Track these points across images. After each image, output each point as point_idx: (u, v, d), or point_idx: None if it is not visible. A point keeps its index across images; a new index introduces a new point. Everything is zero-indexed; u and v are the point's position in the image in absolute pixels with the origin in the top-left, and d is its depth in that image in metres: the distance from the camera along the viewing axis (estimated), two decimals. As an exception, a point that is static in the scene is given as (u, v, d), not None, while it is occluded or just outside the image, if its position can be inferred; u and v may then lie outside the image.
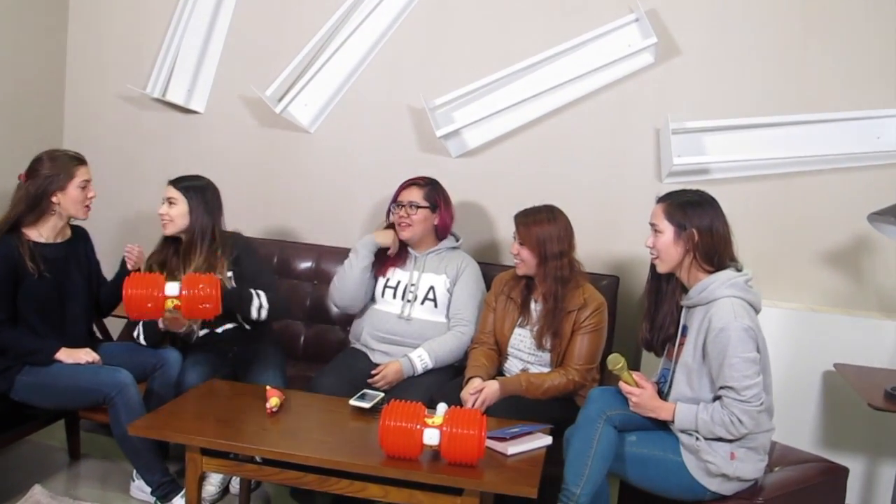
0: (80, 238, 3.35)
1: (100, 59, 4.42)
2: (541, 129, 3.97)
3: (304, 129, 4.18)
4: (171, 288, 3.03)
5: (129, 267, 3.38)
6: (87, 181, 3.21)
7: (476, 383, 3.11)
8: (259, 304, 3.33)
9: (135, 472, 3.29)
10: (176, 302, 3.04)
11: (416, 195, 3.50)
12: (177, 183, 3.41)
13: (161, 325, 3.25)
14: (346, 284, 3.50)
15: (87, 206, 3.24)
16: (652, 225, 2.77)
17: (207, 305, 3.07)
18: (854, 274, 3.73)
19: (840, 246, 3.73)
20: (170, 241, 3.43)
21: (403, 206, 3.49)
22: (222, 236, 3.41)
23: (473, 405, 3.03)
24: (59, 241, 3.24)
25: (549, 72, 3.88)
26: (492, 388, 3.07)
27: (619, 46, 3.81)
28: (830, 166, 3.70)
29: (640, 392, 2.73)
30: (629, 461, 2.73)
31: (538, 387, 3.11)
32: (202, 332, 3.41)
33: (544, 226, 3.21)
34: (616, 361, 2.75)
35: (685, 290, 2.75)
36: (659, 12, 3.77)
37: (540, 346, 3.23)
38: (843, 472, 2.89)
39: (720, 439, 2.61)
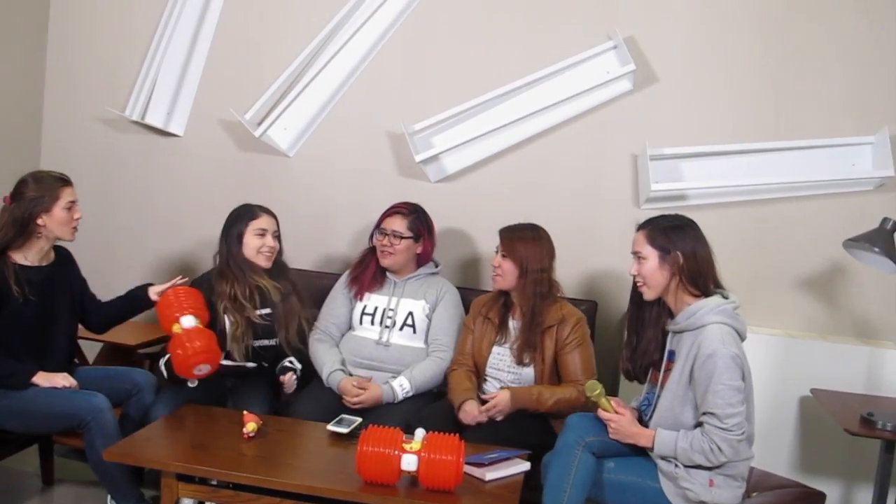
0: (63, 260, 3.32)
1: (78, 81, 4.40)
2: (519, 154, 3.99)
3: (283, 153, 4.18)
4: (188, 321, 3.12)
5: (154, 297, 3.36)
6: (73, 202, 3.18)
7: (471, 405, 3.09)
8: (295, 373, 3.38)
9: (109, 497, 3.25)
10: (197, 319, 3.13)
11: (399, 224, 3.50)
12: (270, 211, 3.46)
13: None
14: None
15: (74, 228, 3.21)
16: (635, 253, 2.76)
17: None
18: (830, 300, 3.76)
19: (816, 272, 3.77)
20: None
21: (387, 234, 3.49)
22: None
23: (488, 412, 3.06)
24: (43, 264, 3.21)
25: (528, 97, 3.90)
26: (504, 397, 3.08)
27: (598, 73, 3.84)
28: (806, 193, 3.74)
29: (618, 418, 2.73)
30: (607, 488, 2.72)
31: (548, 399, 3.12)
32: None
33: (528, 242, 3.24)
34: (593, 388, 2.75)
35: (671, 314, 2.75)
36: (637, 39, 3.81)
37: (520, 362, 3.23)
38: (819, 498, 2.90)
39: (699, 466, 2.61)
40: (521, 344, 3.23)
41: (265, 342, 3.38)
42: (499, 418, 3.09)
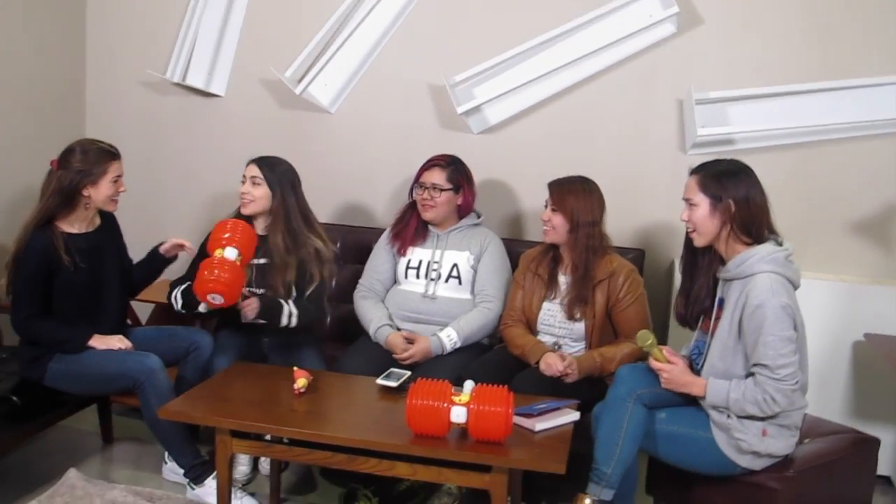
0: (109, 224, 3.35)
1: (119, 45, 4.42)
2: (563, 102, 3.93)
3: (324, 109, 4.17)
4: (231, 253, 3.09)
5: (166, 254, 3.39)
6: (119, 176, 3.19)
7: (553, 357, 3.07)
8: (289, 312, 3.31)
9: (167, 454, 3.33)
10: (241, 258, 3.11)
11: (438, 177, 3.48)
12: (260, 162, 3.42)
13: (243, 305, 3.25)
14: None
15: (116, 200, 3.24)
16: (686, 199, 2.71)
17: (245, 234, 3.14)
18: (884, 243, 3.68)
19: (869, 215, 3.68)
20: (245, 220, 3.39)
21: (426, 187, 3.48)
22: (313, 230, 3.44)
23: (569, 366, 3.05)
24: (90, 230, 3.25)
25: (569, 45, 3.84)
26: (576, 364, 3.08)
27: (641, 17, 3.75)
28: (858, 134, 3.64)
29: (670, 368, 2.70)
30: (659, 438, 2.71)
31: (611, 359, 3.11)
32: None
33: (579, 195, 3.19)
34: (646, 338, 2.73)
35: (722, 262, 2.70)
36: (680, -19, 3.72)
37: (571, 317, 3.22)
38: (873, 443, 2.87)
39: (752, 417, 2.58)
40: (571, 299, 3.21)
41: (256, 290, 3.36)
42: (570, 379, 3.07)
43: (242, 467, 3.35)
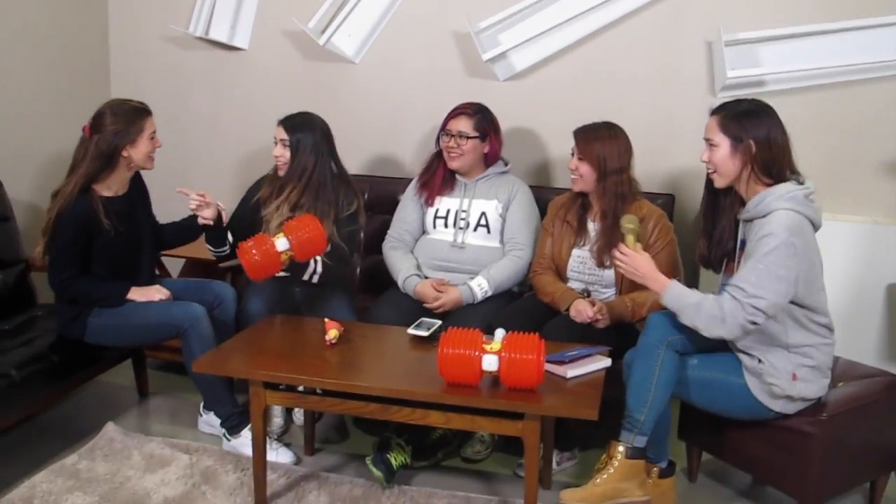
0: (137, 183, 3.36)
1: (141, 1, 4.40)
2: (589, 47, 3.87)
3: (349, 59, 4.14)
4: (282, 244, 3.03)
5: (203, 216, 3.34)
6: (154, 132, 3.20)
7: (583, 304, 3.07)
8: (313, 271, 3.33)
9: (202, 406, 3.38)
10: (290, 253, 3.06)
11: (464, 125, 3.45)
12: (287, 122, 3.41)
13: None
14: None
15: (153, 158, 3.24)
16: (707, 139, 2.68)
17: (309, 233, 3.07)
18: (919, 183, 3.63)
19: (903, 154, 3.62)
20: (278, 179, 3.43)
21: (452, 135, 3.45)
22: (344, 183, 3.44)
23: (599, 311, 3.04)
24: (124, 191, 3.26)
25: (596, -12, 3.77)
26: (606, 310, 3.07)
27: (669, -43, 3.68)
28: (892, 72, 3.56)
29: (634, 254, 2.72)
30: (692, 384, 2.71)
31: (643, 304, 3.09)
32: None
33: (605, 142, 3.16)
34: (629, 220, 2.79)
35: (743, 203, 2.68)
36: (709, -81, 3.63)
37: (601, 264, 3.20)
38: (908, 386, 2.86)
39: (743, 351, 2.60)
40: (601, 245, 3.18)
41: None
42: (601, 325, 3.06)
43: (277, 419, 3.40)
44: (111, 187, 3.19)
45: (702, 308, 2.55)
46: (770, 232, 2.48)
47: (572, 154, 3.20)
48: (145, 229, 3.35)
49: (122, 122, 3.11)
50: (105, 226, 3.10)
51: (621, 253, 2.75)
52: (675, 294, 2.64)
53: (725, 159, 2.63)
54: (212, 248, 3.47)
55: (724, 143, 2.63)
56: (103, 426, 3.31)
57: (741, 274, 2.54)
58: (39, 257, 3.14)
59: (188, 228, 3.45)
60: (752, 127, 2.60)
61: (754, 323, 2.50)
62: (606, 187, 3.14)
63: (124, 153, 3.13)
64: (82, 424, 3.39)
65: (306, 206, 3.33)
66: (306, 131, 3.38)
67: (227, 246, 3.46)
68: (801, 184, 2.60)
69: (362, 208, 3.49)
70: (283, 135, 3.38)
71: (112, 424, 3.33)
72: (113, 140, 3.10)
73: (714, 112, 2.70)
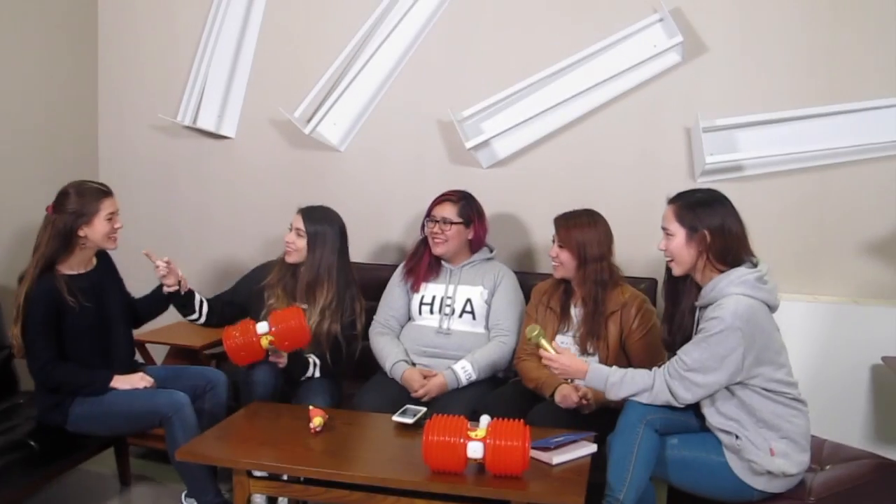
0: (105, 262, 3.38)
1: (130, 91, 4.49)
2: (570, 134, 3.95)
3: (334, 147, 4.21)
4: (262, 327, 3.16)
5: (167, 284, 3.38)
6: (113, 213, 3.22)
7: (569, 389, 3.06)
8: (311, 373, 3.41)
9: (184, 495, 3.33)
10: (270, 338, 3.15)
11: (449, 211, 3.50)
12: (308, 213, 3.48)
13: (272, 358, 3.30)
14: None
15: (114, 238, 3.25)
16: (664, 228, 2.75)
17: (293, 324, 3.17)
18: (897, 264, 3.67)
19: (882, 236, 3.67)
20: (288, 266, 3.50)
21: (437, 221, 3.50)
22: (352, 285, 3.52)
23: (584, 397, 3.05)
24: (89, 269, 3.28)
25: (575, 77, 3.86)
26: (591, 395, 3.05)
27: (645, 47, 3.78)
28: (867, 156, 3.64)
29: (557, 357, 2.79)
30: (671, 464, 2.70)
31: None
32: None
33: (584, 229, 3.19)
34: (532, 330, 2.85)
35: (700, 289, 2.73)
36: (683, 10, 3.74)
37: (584, 351, 3.21)
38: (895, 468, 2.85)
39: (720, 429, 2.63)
40: (584, 333, 3.21)
41: None
42: (586, 411, 3.05)
43: (261, 508, 3.35)
44: (73, 266, 3.21)
45: (627, 380, 2.68)
46: (717, 315, 2.55)
47: (553, 241, 3.24)
48: (116, 307, 3.34)
49: (80, 202, 3.15)
50: (70, 303, 3.11)
51: (548, 360, 2.83)
52: (595, 374, 2.75)
53: (681, 248, 2.69)
54: (185, 317, 3.48)
55: (679, 233, 2.70)
56: (84, 517, 3.26)
57: (685, 348, 2.62)
58: (17, 343, 3.13)
59: (156, 299, 3.46)
60: (707, 216, 2.66)
61: (682, 402, 2.60)
62: (587, 274, 3.18)
63: (80, 233, 3.15)
64: (62, 515, 3.34)
65: (319, 302, 3.40)
66: (325, 225, 3.47)
67: (198, 314, 3.46)
68: (755, 265, 2.65)
69: (362, 315, 3.53)
70: (301, 224, 3.44)
71: (93, 515, 3.27)
72: (69, 220, 3.13)
73: (670, 202, 2.77)
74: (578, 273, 3.19)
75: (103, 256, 3.36)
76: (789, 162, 3.71)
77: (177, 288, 3.39)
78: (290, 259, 3.47)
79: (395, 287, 3.63)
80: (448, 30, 4.04)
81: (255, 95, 4.31)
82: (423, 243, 3.59)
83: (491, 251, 3.63)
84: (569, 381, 3.18)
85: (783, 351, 2.66)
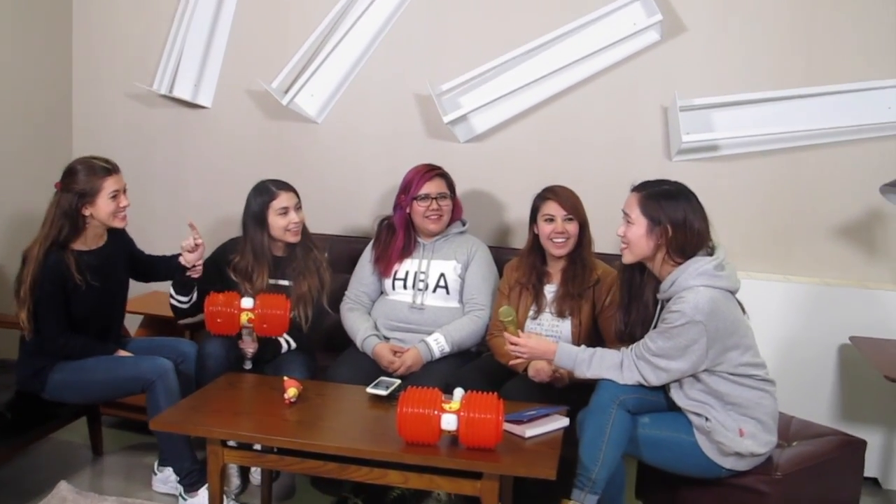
0: (116, 235, 3.33)
1: (105, 58, 4.43)
2: (548, 111, 3.96)
3: (311, 119, 4.19)
4: (246, 302, 3.19)
5: (188, 259, 3.31)
6: (118, 191, 3.17)
7: (541, 363, 3.06)
8: (287, 348, 3.43)
9: (157, 464, 3.33)
10: (250, 316, 3.17)
11: (443, 186, 3.51)
12: (292, 187, 3.47)
13: (241, 344, 3.32)
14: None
15: (122, 216, 3.21)
16: (625, 213, 2.75)
17: (278, 312, 3.19)
18: (867, 246, 3.72)
19: (853, 219, 3.72)
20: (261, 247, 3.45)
21: (433, 198, 3.48)
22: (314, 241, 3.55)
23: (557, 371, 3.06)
24: (100, 245, 3.25)
25: (554, 53, 3.87)
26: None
27: (625, 25, 3.79)
28: (841, 139, 3.68)
29: (524, 341, 2.83)
30: (643, 443, 2.73)
31: None
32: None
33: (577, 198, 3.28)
34: (508, 314, 2.86)
35: (658, 281, 2.75)
36: (663, -11, 3.75)
37: (561, 314, 3.23)
38: (860, 445, 2.90)
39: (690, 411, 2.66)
40: (562, 294, 3.23)
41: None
42: (559, 385, 3.07)
43: (234, 478, 3.35)
44: (86, 242, 3.19)
45: (596, 359, 2.73)
46: (678, 309, 2.57)
47: (547, 219, 3.22)
48: (120, 283, 3.35)
49: (83, 181, 3.11)
50: (77, 281, 3.09)
51: (513, 344, 2.85)
52: (564, 353, 2.78)
53: (640, 238, 2.69)
54: (174, 295, 3.40)
55: (640, 222, 2.69)
56: (56, 485, 3.24)
57: (650, 334, 2.66)
58: (25, 326, 3.10)
59: (169, 266, 3.41)
60: (671, 209, 2.66)
61: (639, 384, 2.66)
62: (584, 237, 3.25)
63: (85, 212, 3.13)
64: (35, 483, 3.33)
65: (301, 266, 3.44)
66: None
67: (189, 299, 3.41)
68: (712, 252, 2.67)
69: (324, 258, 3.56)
70: (296, 199, 3.44)
71: (65, 483, 3.26)
72: (73, 200, 3.10)
73: (635, 189, 2.77)
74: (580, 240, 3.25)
75: (116, 231, 3.32)
76: (765, 143, 3.74)
77: (199, 266, 3.35)
78: (298, 238, 3.44)
79: (367, 263, 3.62)
80: (427, 3, 4.01)
81: (232, 65, 4.27)
82: (388, 227, 3.58)
83: (464, 225, 3.63)
84: None
85: (749, 333, 2.69)
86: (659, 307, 2.76)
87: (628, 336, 2.86)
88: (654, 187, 2.72)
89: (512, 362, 3.00)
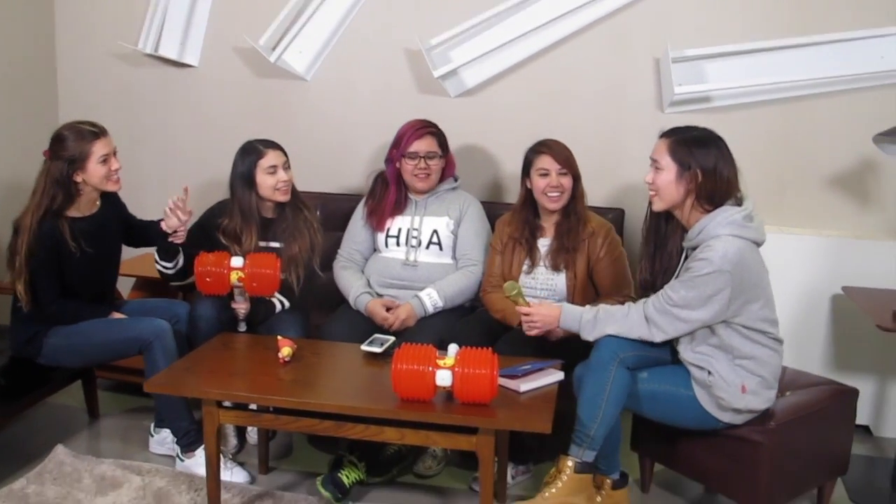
0: (110, 200, 3.30)
1: (89, 16, 4.36)
2: (540, 63, 3.92)
3: (300, 76, 4.14)
4: (236, 261, 3.16)
5: (169, 223, 3.26)
6: (108, 154, 3.13)
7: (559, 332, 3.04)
8: (280, 308, 3.40)
9: (153, 426, 3.34)
10: (240, 275, 3.15)
11: (433, 144, 3.47)
12: (279, 146, 3.42)
13: (233, 304, 3.30)
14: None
15: (115, 179, 3.17)
16: (653, 160, 2.70)
17: (268, 272, 3.17)
18: (861, 197, 3.71)
19: (846, 169, 3.70)
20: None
21: (421, 157, 3.45)
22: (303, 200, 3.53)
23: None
24: (94, 212, 3.22)
25: (545, 5, 3.81)
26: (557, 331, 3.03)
27: (616, -24, 3.74)
28: (834, 88, 3.65)
29: (534, 309, 2.84)
30: (642, 398, 2.73)
31: None
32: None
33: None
34: (512, 288, 2.88)
35: (685, 229, 2.72)
36: (654, -62, 3.69)
37: (555, 268, 3.23)
38: (852, 394, 2.92)
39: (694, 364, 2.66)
40: (556, 247, 3.22)
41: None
42: (553, 338, 3.04)
43: (231, 438, 3.37)
44: (79, 209, 3.16)
45: (601, 316, 2.71)
46: (706, 257, 2.53)
47: (541, 173, 3.21)
48: (114, 248, 3.34)
49: (71, 147, 3.06)
50: (72, 248, 3.07)
51: (525, 315, 2.87)
52: (568, 315, 2.78)
53: (669, 184, 2.66)
54: (159, 261, 3.36)
55: (670, 168, 2.65)
56: (53, 449, 3.25)
57: (672, 284, 2.62)
58: (22, 297, 3.07)
59: (155, 231, 3.36)
60: (702, 156, 2.62)
61: (667, 331, 2.63)
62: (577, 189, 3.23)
63: (76, 178, 3.09)
64: (31, 447, 3.33)
65: (291, 225, 3.41)
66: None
67: (174, 265, 3.36)
68: (741, 204, 2.64)
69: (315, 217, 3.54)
70: (284, 157, 3.39)
71: (62, 447, 3.27)
72: (63, 167, 3.05)
73: (664, 135, 2.71)
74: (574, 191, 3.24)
75: (109, 196, 3.28)
76: (757, 93, 3.71)
77: (181, 233, 3.31)
78: (288, 197, 3.40)
79: (359, 220, 3.61)
80: (416, -44, 3.96)
81: (218, 22, 4.21)
82: (382, 182, 3.56)
83: (455, 180, 3.61)
84: None
85: (769, 288, 2.67)
86: (683, 257, 2.74)
87: (651, 285, 2.83)
88: (684, 133, 2.68)
89: (530, 333, 2.94)
